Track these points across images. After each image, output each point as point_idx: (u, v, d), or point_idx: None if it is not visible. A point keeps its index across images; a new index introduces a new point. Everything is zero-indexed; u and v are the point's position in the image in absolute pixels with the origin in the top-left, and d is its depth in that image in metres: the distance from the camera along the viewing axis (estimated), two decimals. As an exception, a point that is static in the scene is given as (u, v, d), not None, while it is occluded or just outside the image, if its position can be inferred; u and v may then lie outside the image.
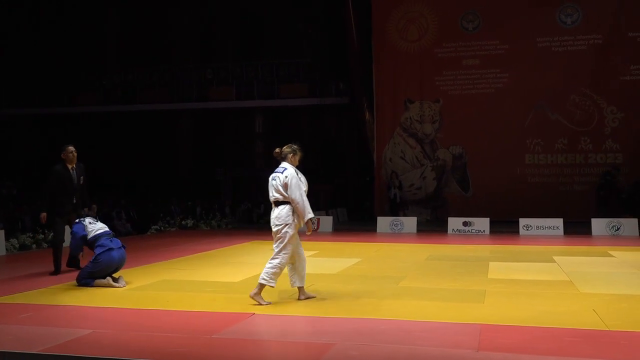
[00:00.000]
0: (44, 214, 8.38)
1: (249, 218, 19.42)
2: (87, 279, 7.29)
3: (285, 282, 7.72)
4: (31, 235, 12.33)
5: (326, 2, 19.38)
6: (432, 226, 16.88)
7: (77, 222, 7.81)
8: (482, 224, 15.23)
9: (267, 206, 20.06)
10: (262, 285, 6.21)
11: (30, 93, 23.73)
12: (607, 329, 5.19)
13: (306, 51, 22.11)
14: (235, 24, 23.52)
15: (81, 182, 8.66)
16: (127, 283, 7.42)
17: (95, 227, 7.68)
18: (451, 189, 18.70)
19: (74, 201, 8.52)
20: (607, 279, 7.93)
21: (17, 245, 11.72)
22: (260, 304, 6.13)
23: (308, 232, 6.43)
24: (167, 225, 16.67)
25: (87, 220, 7.78)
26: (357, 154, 20.25)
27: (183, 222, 17.14)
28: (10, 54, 22.76)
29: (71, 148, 8.62)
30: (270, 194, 6.38)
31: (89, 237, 7.56)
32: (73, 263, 8.29)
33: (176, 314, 5.91)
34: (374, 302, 6.40)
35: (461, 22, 18.62)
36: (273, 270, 6.21)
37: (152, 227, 16.00)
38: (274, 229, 6.31)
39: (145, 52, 23.17)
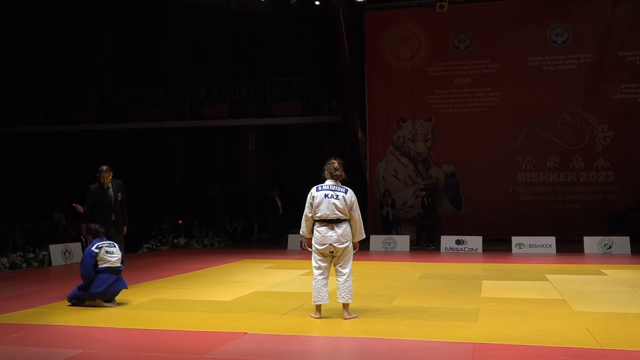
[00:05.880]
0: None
1: (242, 236, 19.35)
2: (77, 300, 7.25)
3: (267, 300, 7.69)
4: (22, 254, 12.25)
5: (318, 21, 19.51)
6: (425, 244, 16.86)
7: (93, 244, 7.46)
8: (475, 242, 15.24)
9: (260, 224, 20.19)
10: (348, 305, 6.48)
11: (22, 111, 23.69)
12: (600, 348, 5.19)
13: (299, 69, 22.21)
14: (228, 42, 23.62)
15: (118, 198, 8.78)
16: (117, 303, 7.37)
17: (111, 258, 7.37)
18: (444, 208, 18.71)
19: (113, 218, 8.61)
20: (600, 297, 7.93)
21: (7, 264, 11.63)
22: (351, 317, 6.43)
23: (355, 249, 6.62)
24: (159, 243, 16.60)
25: (106, 247, 7.41)
26: (350, 172, 20.20)
27: (175, 241, 17.07)
28: (1, 72, 22.74)
29: (104, 170, 8.71)
30: (329, 211, 6.38)
31: (100, 265, 7.30)
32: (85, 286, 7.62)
33: (167, 334, 5.86)
34: (367, 320, 6.37)
35: (453, 42, 18.75)
36: (351, 287, 6.47)
37: (144, 246, 15.92)
38: (340, 247, 6.38)
39: (138, 71, 23.22)
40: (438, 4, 17.15)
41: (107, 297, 7.28)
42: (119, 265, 7.46)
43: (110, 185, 8.74)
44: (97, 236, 7.60)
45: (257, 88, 22.63)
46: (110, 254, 7.41)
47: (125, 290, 7.93)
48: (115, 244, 7.65)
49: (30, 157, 23.68)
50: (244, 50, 23.57)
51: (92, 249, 7.39)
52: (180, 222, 19.21)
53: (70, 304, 7.28)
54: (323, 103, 21.49)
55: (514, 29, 18.23)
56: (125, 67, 23.50)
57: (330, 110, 21.15)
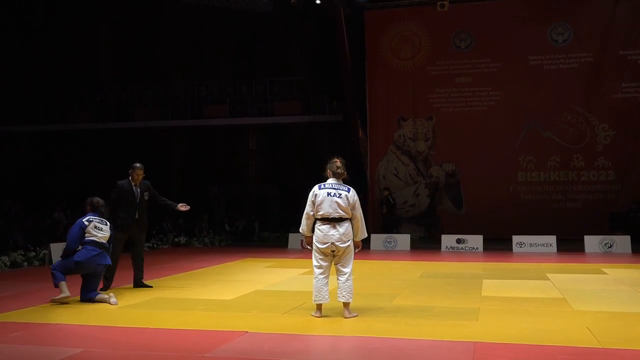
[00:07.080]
0: None
1: (242, 235, 19.35)
2: (57, 272, 7.28)
3: (268, 299, 7.69)
4: (22, 253, 12.25)
5: (319, 20, 19.50)
6: (426, 243, 16.88)
7: (86, 216, 7.53)
8: (476, 241, 15.24)
9: (260, 224, 20.19)
10: (348, 304, 6.44)
11: (22, 111, 23.68)
12: (601, 347, 5.18)
13: (299, 69, 22.20)
14: (228, 42, 23.62)
15: (145, 198, 8.76)
16: (118, 301, 7.36)
17: (98, 233, 7.44)
18: (444, 207, 18.71)
19: (136, 217, 8.60)
20: (600, 297, 7.92)
21: (8, 263, 11.64)
22: (352, 316, 6.40)
23: (358, 248, 6.58)
24: (159, 242, 16.59)
25: (96, 222, 7.49)
26: (350, 171, 20.16)
27: (176, 239, 17.07)
28: (1, 71, 22.73)
29: (138, 167, 8.72)
30: (332, 210, 6.36)
31: (85, 238, 7.37)
32: (67, 255, 7.60)
33: (168, 333, 5.86)
34: (367, 319, 6.36)
35: (454, 41, 18.75)
36: (352, 287, 6.44)
37: (145, 245, 15.89)
38: (342, 246, 6.35)
39: (138, 71, 23.21)
40: (439, 3, 17.15)
41: (88, 267, 7.30)
42: (104, 242, 7.51)
43: (139, 183, 8.75)
44: (95, 211, 7.63)
45: (257, 87, 22.64)
46: (99, 229, 7.48)
47: (126, 288, 7.91)
48: (107, 222, 7.69)
49: (30, 157, 23.67)
50: (244, 50, 23.55)
51: (83, 220, 7.47)
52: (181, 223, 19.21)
53: (52, 270, 7.35)
54: (323, 102, 21.49)
55: (514, 28, 18.23)
56: (125, 67, 23.49)
57: (331, 109, 21.16)
